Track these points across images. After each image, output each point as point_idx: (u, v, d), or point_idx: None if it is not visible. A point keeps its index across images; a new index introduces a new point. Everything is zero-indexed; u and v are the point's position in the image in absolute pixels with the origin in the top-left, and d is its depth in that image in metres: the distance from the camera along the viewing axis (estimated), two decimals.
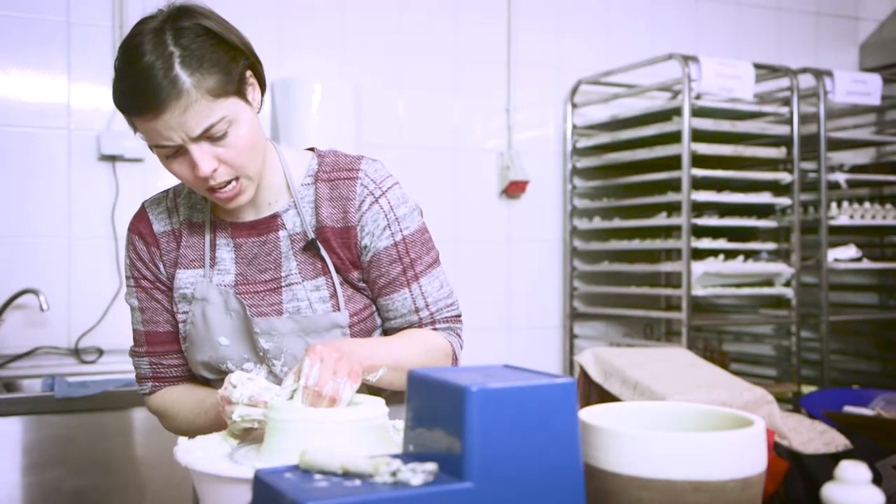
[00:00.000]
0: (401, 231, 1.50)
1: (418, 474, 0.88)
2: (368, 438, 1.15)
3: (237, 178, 1.39)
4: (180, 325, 1.52)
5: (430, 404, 0.96)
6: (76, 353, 2.96)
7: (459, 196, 3.59)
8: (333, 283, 1.48)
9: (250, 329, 1.47)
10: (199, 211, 1.54)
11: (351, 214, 1.47)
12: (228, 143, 1.36)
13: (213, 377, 1.52)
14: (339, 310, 1.47)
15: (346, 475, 0.92)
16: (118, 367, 2.83)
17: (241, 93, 1.38)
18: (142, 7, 3.06)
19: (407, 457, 0.96)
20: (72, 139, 3.03)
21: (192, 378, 1.57)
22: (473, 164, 3.62)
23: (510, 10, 3.67)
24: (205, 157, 1.34)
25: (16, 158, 2.97)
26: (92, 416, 2.42)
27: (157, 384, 1.56)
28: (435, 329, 1.54)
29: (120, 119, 3.03)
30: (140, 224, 1.55)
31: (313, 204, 1.49)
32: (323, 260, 1.48)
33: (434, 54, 3.56)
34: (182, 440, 1.25)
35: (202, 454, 1.21)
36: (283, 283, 1.48)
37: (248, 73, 1.41)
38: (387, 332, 1.56)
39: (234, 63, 1.37)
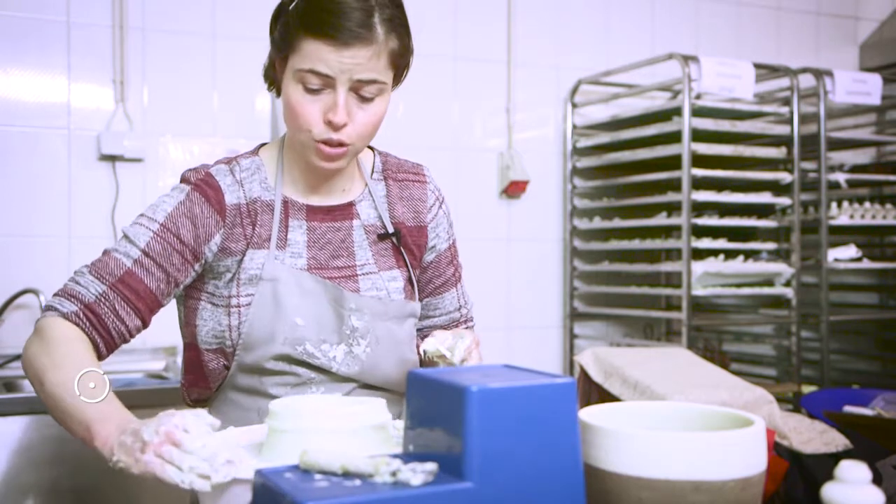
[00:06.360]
0: (453, 235, 1.65)
1: (418, 474, 0.88)
2: (369, 439, 1.15)
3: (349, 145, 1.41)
4: (242, 309, 1.41)
5: (430, 404, 0.95)
6: None
7: (459, 196, 3.58)
8: (410, 275, 1.54)
9: (338, 307, 1.44)
10: (267, 190, 1.48)
11: (423, 215, 1.57)
12: (369, 109, 1.39)
13: (280, 368, 1.43)
14: (414, 300, 1.55)
15: (346, 475, 0.92)
16: (118, 367, 2.83)
17: (397, 78, 1.44)
18: (142, 7, 3.06)
19: (407, 457, 0.96)
20: (72, 139, 3.02)
21: (107, 353, 1.40)
22: (473, 164, 3.62)
23: (510, 10, 3.66)
24: (347, 106, 1.37)
25: (16, 158, 2.97)
26: None
27: (84, 317, 1.35)
28: (468, 326, 1.68)
29: (120, 119, 3.04)
30: (209, 188, 1.43)
31: (386, 199, 1.55)
32: (399, 252, 1.53)
33: (434, 54, 3.55)
34: None
35: None
36: (359, 272, 1.49)
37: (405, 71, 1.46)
38: (422, 330, 1.63)
39: (409, 50, 1.43)
